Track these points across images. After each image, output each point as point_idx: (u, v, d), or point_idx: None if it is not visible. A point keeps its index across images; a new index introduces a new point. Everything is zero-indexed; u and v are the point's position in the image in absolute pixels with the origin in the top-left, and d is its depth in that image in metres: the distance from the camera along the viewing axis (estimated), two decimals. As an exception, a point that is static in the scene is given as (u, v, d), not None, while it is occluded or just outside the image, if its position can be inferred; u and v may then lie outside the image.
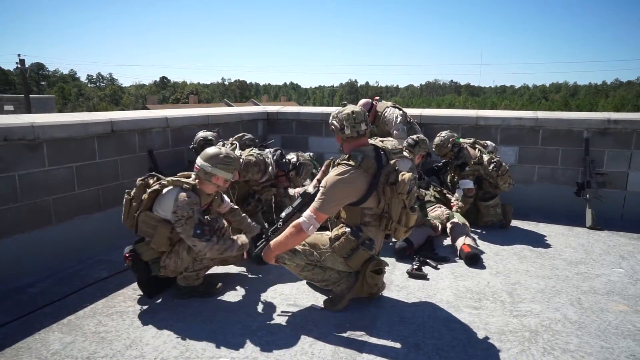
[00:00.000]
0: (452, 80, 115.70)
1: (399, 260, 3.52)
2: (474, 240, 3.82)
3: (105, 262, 3.43)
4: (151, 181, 2.78)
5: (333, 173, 2.55)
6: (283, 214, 2.79)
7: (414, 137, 4.07)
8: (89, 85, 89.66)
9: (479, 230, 4.33)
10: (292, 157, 3.70)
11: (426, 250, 3.69)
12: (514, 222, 4.60)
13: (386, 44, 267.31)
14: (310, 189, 2.94)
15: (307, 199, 2.72)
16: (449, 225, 4.04)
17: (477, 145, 4.39)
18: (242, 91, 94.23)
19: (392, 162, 2.70)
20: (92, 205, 3.62)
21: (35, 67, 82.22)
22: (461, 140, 4.48)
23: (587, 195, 4.59)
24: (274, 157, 3.55)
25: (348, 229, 2.60)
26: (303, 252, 2.66)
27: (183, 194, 2.61)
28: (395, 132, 4.68)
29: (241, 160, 3.22)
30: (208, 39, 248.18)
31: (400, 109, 4.93)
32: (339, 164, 2.60)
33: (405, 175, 2.56)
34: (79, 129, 3.45)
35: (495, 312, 2.75)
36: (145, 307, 2.75)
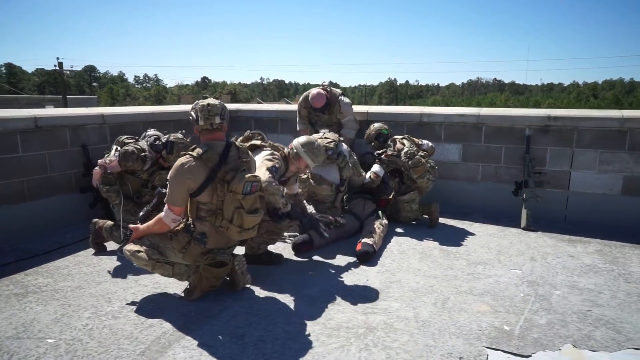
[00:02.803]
0: (495, 79, 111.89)
1: (297, 255, 3.56)
2: (375, 238, 3.71)
3: (19, 250, 3.66)
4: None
5: (175, 164, 2.64)
6: (141, 213, 2.91)
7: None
8: (136, 86, 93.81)
9: (401, 229, 4.26)
10: (165, 138, 3.63)
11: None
12: (449, 221, 4.49)
13: (428, 41, 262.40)
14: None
15: (162, 197, 2.81)
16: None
17: (405, 141, 4.34)
18: (280, 90, 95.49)
19: (244, 160, 2.76)
20: (14, 196, 3.87)
21: (88, 70, 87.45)
22: (396, 136, 4.46)
23: (524, 195, 4.41)
24: (148, 142, 3.61)
25: (182, 225, 2.68)
26: (145, 252, 2.69)
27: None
28: (348, 118, 4.89)
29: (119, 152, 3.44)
30: (249, 40, 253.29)
31: None
32: (183, 154, 2.69)
33: (244, 177, 2.60)
34: (-4, 124, 3.70)
35: (348, 308, 2.73)
36: (20, 291, 2.94)
